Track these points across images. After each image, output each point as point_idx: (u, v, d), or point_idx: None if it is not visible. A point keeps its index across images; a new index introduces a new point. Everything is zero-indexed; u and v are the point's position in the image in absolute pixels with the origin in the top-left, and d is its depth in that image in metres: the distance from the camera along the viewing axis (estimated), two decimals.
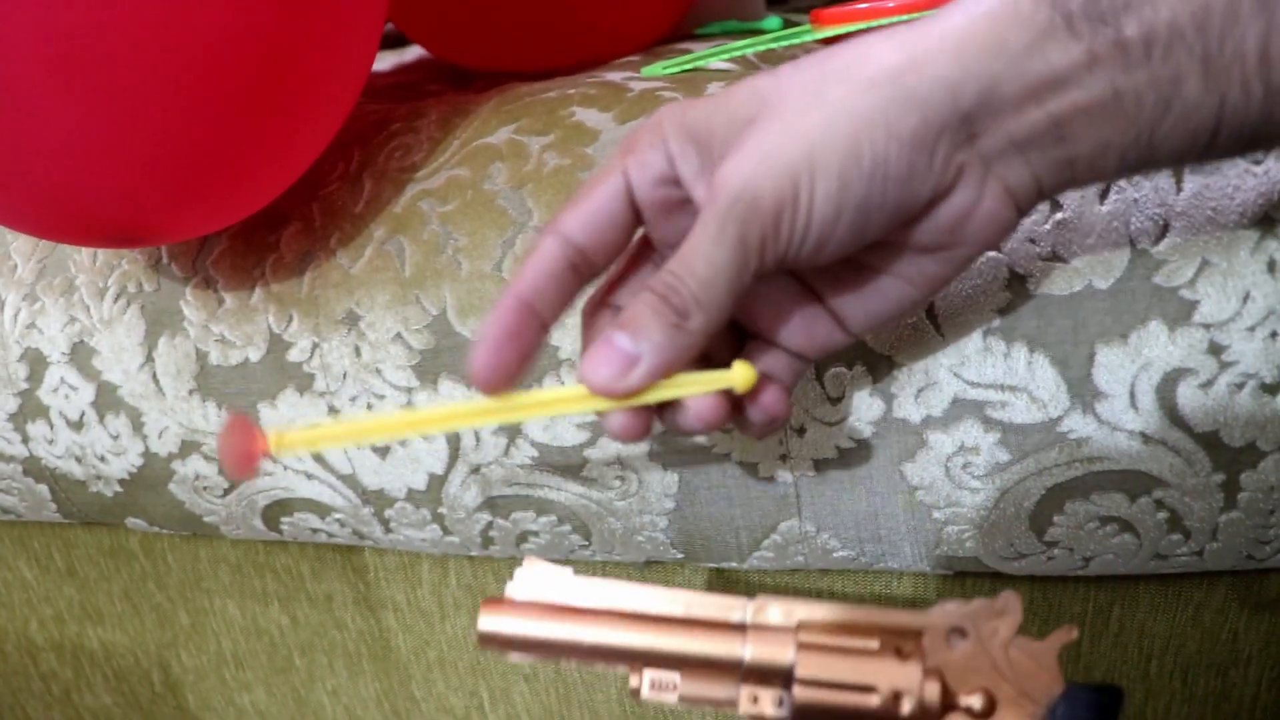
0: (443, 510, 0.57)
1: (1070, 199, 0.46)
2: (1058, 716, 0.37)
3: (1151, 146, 0.35)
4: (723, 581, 0.61)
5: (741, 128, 0.37)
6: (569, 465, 0.53)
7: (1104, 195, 0.45)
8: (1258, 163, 0.45)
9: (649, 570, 0.61)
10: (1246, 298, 0.44)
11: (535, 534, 0.56)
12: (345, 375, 0.55)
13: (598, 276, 0.41)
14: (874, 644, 0.38)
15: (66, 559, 0.78)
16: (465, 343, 0.53)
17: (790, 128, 0.35)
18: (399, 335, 0.54)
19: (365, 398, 0.55)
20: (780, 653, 0.37)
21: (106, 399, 0.61)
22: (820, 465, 0.50)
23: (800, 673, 0.37)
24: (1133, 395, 0.45)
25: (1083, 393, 0.46)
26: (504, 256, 0.52)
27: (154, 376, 0.59)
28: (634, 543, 0.56)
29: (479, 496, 0.55)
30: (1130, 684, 0.57)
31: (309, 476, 0.58)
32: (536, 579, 0.40)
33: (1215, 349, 0.44)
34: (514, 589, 0.40)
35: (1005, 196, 0.37)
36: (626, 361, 0.37)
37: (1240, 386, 0.44)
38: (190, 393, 0.59)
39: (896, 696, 0.37)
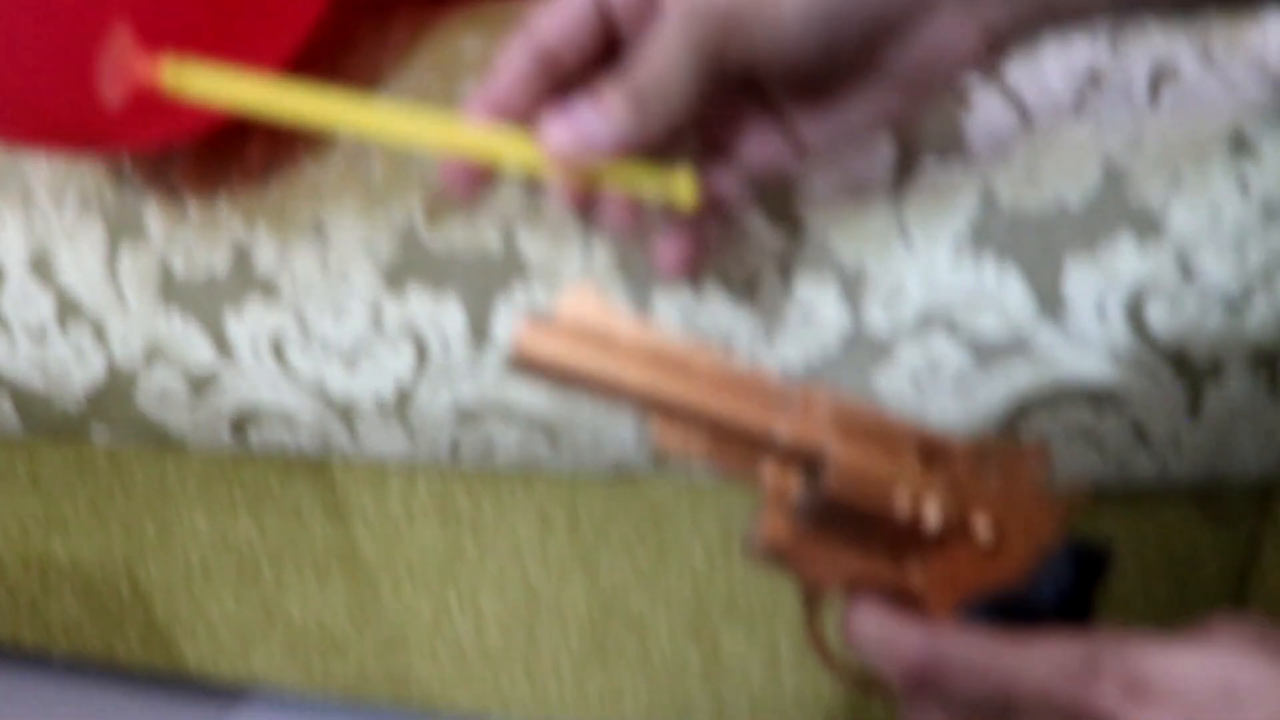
0: (411, 420, 0.57)
1: (1044, 112, 0.46)
2: (1051, 564, 0.38)
3: None
4: (693, 492, 0.61)
5: None
6: None
7: (1078, 108, 0.45)
8: (1233, 87, 0.44)
9: (618, 479, 0.61)
10: (1216, 215, 0.44)
11: (504, 443, 0.57)
12: (313, 284, 0.54)
13: (566, 81, 0.40)
14: (907, 450, 0.38)
15: (31, 472, 0.77)
16: (433, 252, 0.52)
17: None
18: (367, 244, 0.53)
19: (333, 307, 0.54)
20: (816, 436, 0.37)
21: (68, 310, 0.60)
22: (788, 377, 0.50)
23: (833, 458, 0.37)
24: (1101, 310, 0.46)
25: (1051, 307, 0.46)
26: None
27: (117, 287, 0.58)
28: (603, 451, 0.56)
29: (448, 406, 0.55)
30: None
31: (276, 387, 0.58)
32: (584, 305, 0.37)
33: (1183, 266, 0.44)
34: (561, 311, 0.37)
35: (982, 32, 0.36)
36: (585, 131, 0.37)
37: (1207, 304, 0.45)
38: (155, 302, 0.58)
39: (918, 503, 0.37)
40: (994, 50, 0.37)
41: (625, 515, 0.63)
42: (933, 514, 0.37)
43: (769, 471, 0.38)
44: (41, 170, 0.60)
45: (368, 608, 0.75)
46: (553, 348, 0.37)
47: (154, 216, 0.57)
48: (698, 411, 0.37)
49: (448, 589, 0.72)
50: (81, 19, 0.43)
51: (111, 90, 0.36)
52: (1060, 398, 0.48)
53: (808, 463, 0.38)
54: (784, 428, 0.38)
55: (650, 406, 0.38)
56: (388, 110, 0.39)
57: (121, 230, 0.58)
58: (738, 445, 0.38)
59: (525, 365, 0.37)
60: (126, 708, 1.00)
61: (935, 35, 0.36)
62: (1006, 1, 0.36)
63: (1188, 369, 0.46)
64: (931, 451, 0.38)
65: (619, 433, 0.54)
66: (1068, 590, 0.38)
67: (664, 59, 0.37)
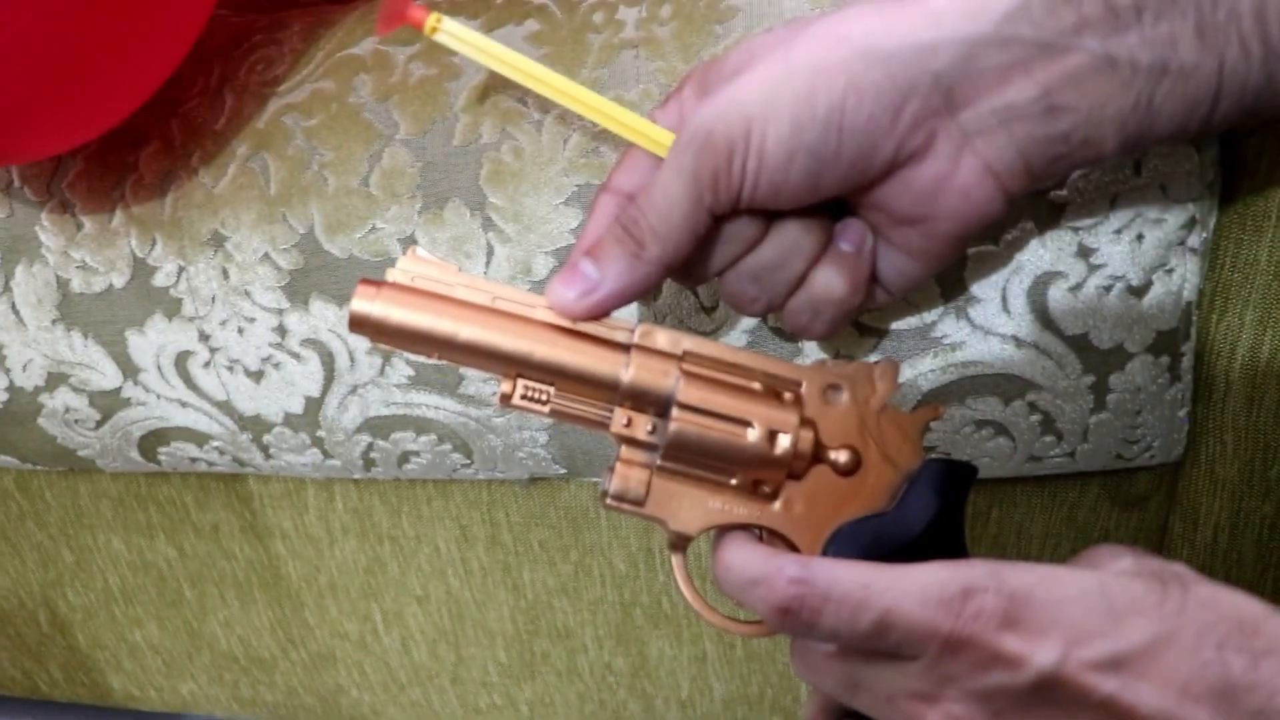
0: (321, 433, 0.56)
1: None
2: (914, 484, 0.39)
3: (1150, 114, 0.36)
4: None
5: (730, 79, 0.38)
6: (446, 383, 0.52)
7: None
8: None
9: (534, 487, 0.60)
10: (1114, 200, 0.44)
11: (416, 453, 0.56)
12: (214, 299, 0.53)
13: None
14: (755, 385, 0.38)
15: None
16: (335, 261, 0.51)
17: (757, 76, 0.37)
18: (267, 255, 0.52)
19: (236, 321, 0.53)
20: (662, 378, 0.38)
21: None
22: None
23: (680, 398, 0.37)
24: (1005, 299, 0.46)
25: (956, 297, 0.46)
26: (371, 171, 0.51)
27: (13, 307, 0.57)
28: (515, 459, 0.55)
29: (358, 418, 0.54)
30: None
31: (183, 404, 0.57)
32: (421, 268, 0.38)
33: (1084, 251, 0.45)
34: (396, 274, 0.38)
35: (983, 172, 0.37)
36: (589, 285, 0.39)
37: (1108, 289, 0.45)
38: (54, 322, 0.56)
39: (771, 436, 0.37)
40: (1005, 192, 0.38)
41: (544, 522, 0.62)
42: (784, 444, 0.37)
43: (618, 418, 0.38)
44: None
45: (292, 627, 0.74)
46: (384, 309, 0.37)
47: (47, 233, 0.55)
48: (538, 361, 0.38)
49: (372, 605, 0.71)
50: None
51: (381, 19, 0.42)
52: (968, 388, 0.48)
53: (656, 406, 0.38)
54: (629, 372, 0.38)
55: (490, 361, 0.38)
56: (578, 87, 0.41)
57: (14, 248, 0.56)
58: (584, 394, 0.38)
59: (361, 327, 0.37)
60: None
61: (931, 177, 0.37)
62: (1010, 142, 0.36)
63: (1092, 355, 0.46)
64: (779, 384, 0.38)
65: (532, 439, 0.54)
66: (936, 507, 0.38)
67: (662, 198, 0.38)
